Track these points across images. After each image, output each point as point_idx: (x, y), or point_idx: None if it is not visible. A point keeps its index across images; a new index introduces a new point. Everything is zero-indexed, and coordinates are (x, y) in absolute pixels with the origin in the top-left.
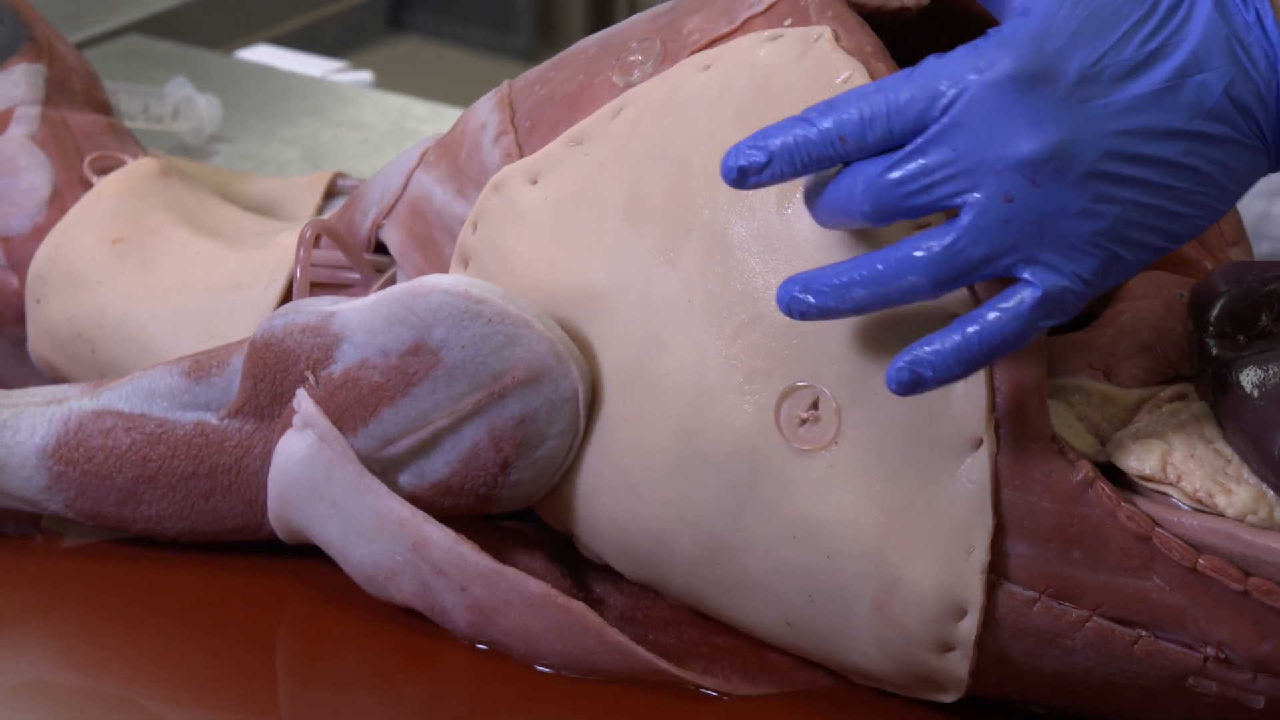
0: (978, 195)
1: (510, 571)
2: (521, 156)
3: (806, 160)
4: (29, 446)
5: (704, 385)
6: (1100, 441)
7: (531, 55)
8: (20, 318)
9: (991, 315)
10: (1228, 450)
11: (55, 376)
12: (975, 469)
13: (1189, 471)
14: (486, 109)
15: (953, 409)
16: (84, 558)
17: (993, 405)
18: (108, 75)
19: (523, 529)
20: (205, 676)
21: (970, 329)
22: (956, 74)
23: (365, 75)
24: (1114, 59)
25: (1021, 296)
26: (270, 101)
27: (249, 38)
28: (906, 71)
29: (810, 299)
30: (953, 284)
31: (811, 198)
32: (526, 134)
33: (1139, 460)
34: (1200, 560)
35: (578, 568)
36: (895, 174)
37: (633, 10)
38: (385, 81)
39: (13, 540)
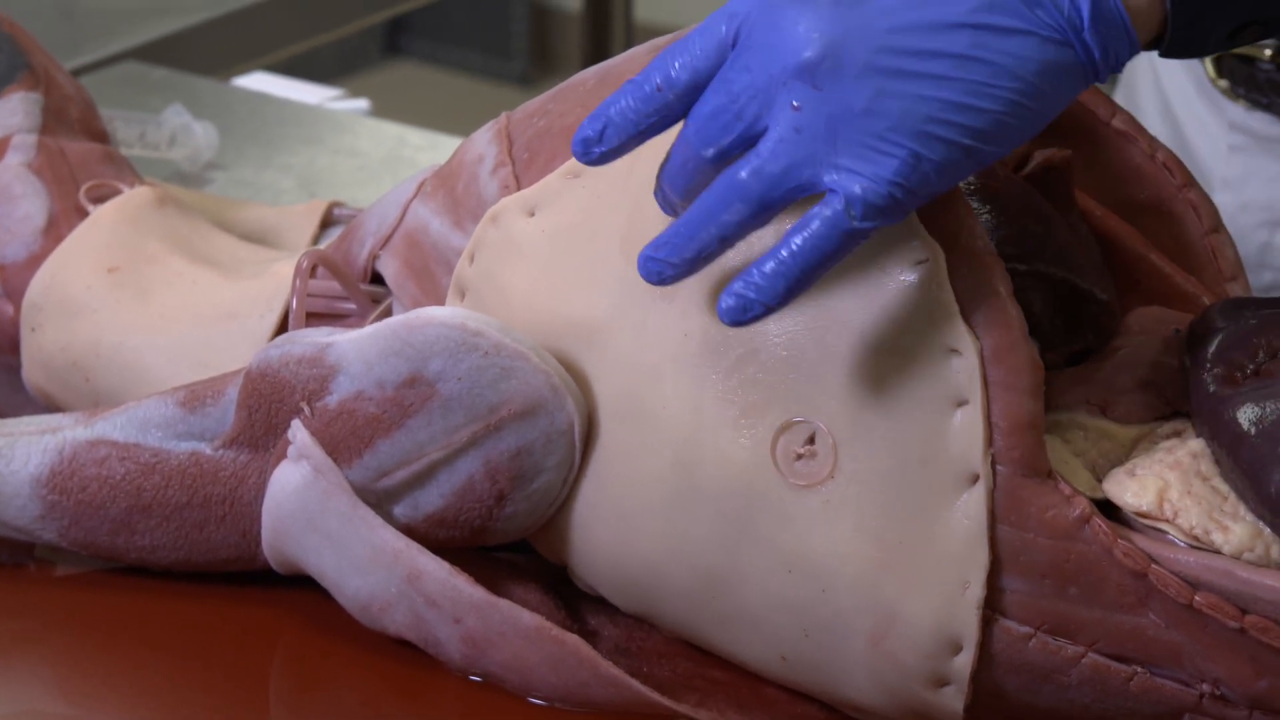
0: (774, 110)
1: (504, 604)
2: (519, 188)
3: (636, 118)
4: (23, 476)
5: (700, 419)
6: (1097, 477)
7: (527, 81)
8: (15, 346)
9: (802, 234)
10: (1224, 487)
11: (50, 405)
12: (972, 505)
13: (1185, 508)
14: (484, 140)
15: (950, 445)
16: (78, 587)
17: (989, 441)
18: (104, 102)
19: (517, 560)
20: (198, 707)
21: (783, 250)
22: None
23: (362, 103)
24: None
25: (830, 206)
26: (266, 129)
27: (245, 65)
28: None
29: (661, 254)
30: (771, 206)
31: (661, 172)
32: (524, 166)
33: (1135, 497)
34: (1196, 597)
35: (572, 600)
36: (708, 107)
37: (629, 36)
38: (381, 106)
39: (6, 569)
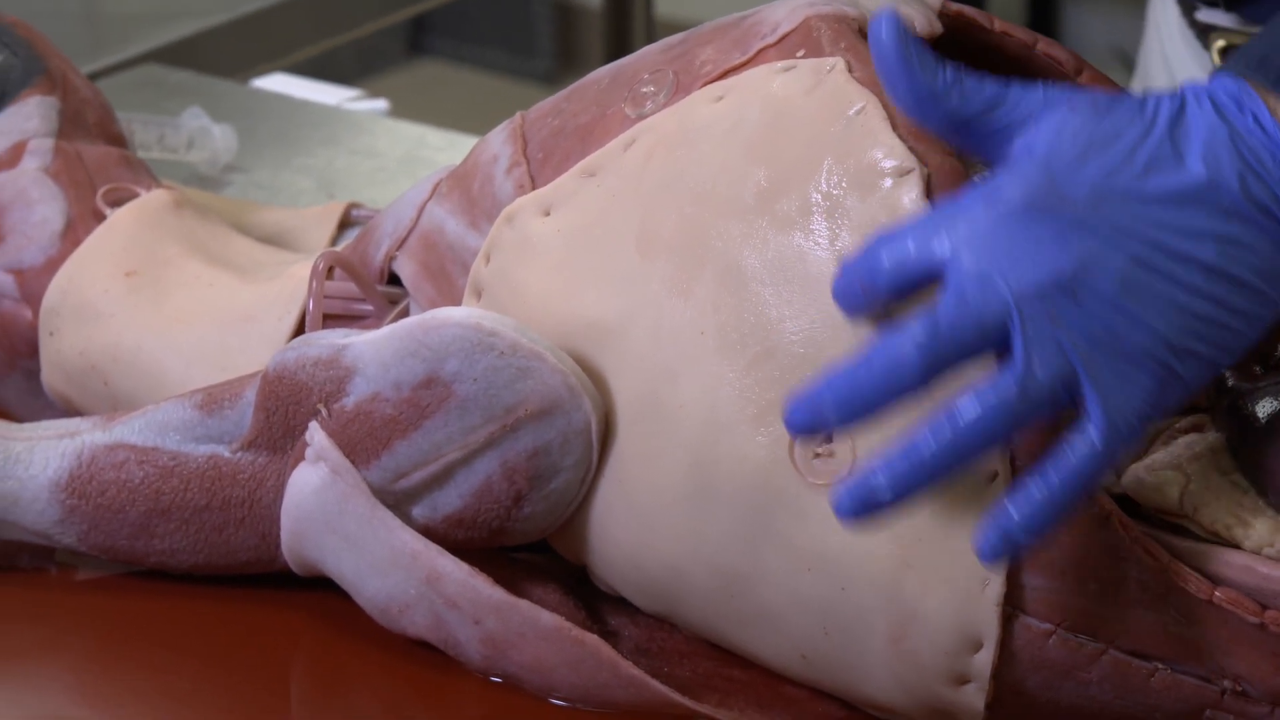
0: (1023, 329)
1: (524, 604)
2: (534, 188)
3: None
4: (42, 480)
5: (717, 418)
6: (1116, 473)
7: (551, 79)
8: (33, 351)
9: (1065, 459)
10: (1244, 482)
11: (69, 409)
12: (990, 502)
13: (1205, 503)
14: (499, 141)
15: None
16: (97, 591)
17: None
18: (122, 105)
19: (536, 561)
20: (219, 710)
21: (1051, 480)
22: (969, 209)
23: (380, 104)
24: (1126, 171)
25: (1089, 432)
26: (285, 130)
27: (265, 66)
28: (925, 216)
29: (885, 483)
30: (1027, 421)
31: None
32: (539, 166)
33: (1155, 492)
34: (1216, 593)
35: (591, 600)
36: (936, 328)
37: (650, 31)
38: (404, 106)
39: (26, 574)
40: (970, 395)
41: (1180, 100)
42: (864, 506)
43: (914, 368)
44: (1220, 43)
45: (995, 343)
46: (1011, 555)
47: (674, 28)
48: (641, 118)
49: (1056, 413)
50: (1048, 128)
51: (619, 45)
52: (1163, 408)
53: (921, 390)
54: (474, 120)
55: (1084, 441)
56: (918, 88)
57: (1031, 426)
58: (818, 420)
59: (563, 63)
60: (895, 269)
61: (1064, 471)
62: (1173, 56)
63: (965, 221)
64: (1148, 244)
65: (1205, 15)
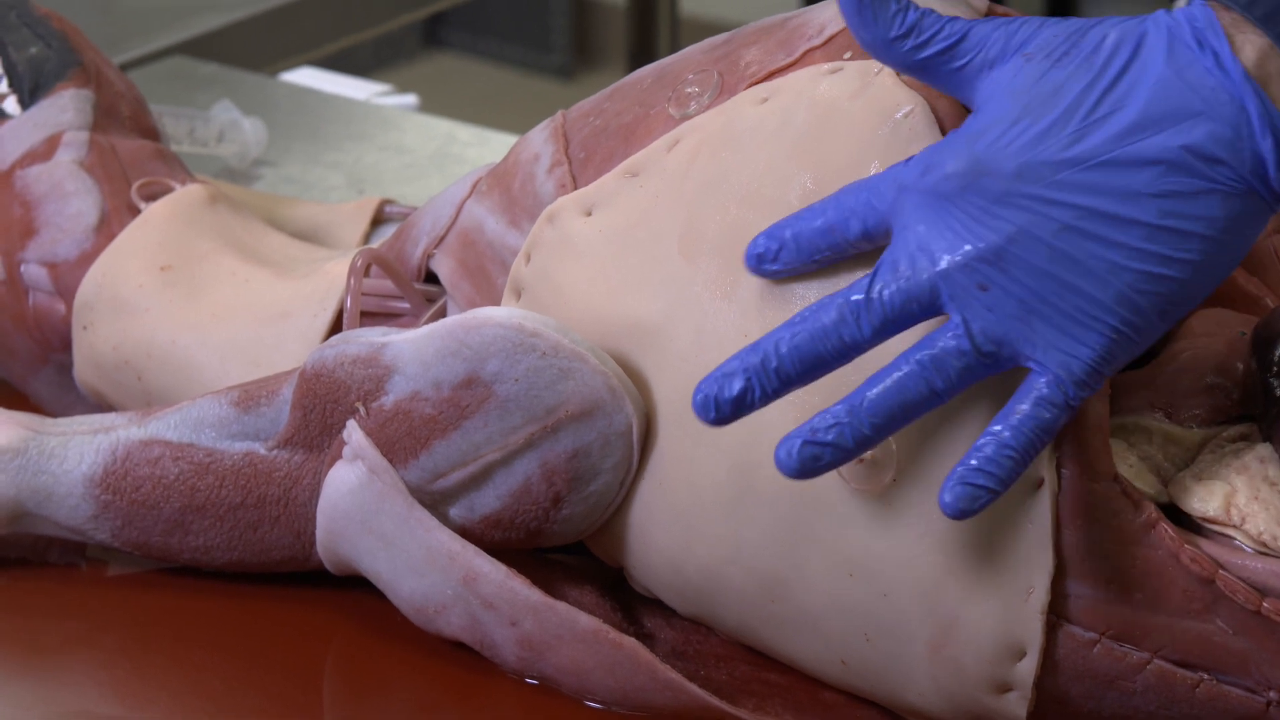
0: (954, 298)
1: (561, 606)
2: (576, 188)
3: (811, 250)
4: (76, 475)
5: (759, 422)
6: (1162, 482)
7: (567, 73)
8: (67, 344)
9: (1017, 412)
10: None
11: (102, 404)
12: (1036, 509)
13: (1253, 513)
14: (540, 139)
15: None
16: (129, 587)
17: (1055, 444)
18: (152, 97)
19: (572, 562)
20: (251, 709)
21: (1003, 434)
22: (908, 178)
23: (410, 99)
24: (1055, 137)
25: (1038, 386)
26: (314, 125)
27: (286, 60)
28: (892, 169)
29: (866, 431)
30: (966, 381)
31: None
32: (581, 165)
33: (1202, 501)
34: (1264, 604)
35: (628, 602)
36: (871, 295)
37: (674, 28)
38: (422, 100)
39: (58, 569)
40: (915, 348)
41: (1139, 38)
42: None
43: (854, 328)
44: None
45: (932, 312)
46: (977, 506)
47: (698, 24)
48: (686, 118)
49: (998, 373)
50: (997, 86)
51: (644, 42)
52: (1114, 359)
53: (867, 349)
54: (492, 115)
55: (1029, 395)
56: (873, 38)
57: (959, 388)
58: (765, 361)
59: (579, 58)
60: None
61: (1012, 423)
62: None
63: (906, 197)
64: (1078, 211)
65: None
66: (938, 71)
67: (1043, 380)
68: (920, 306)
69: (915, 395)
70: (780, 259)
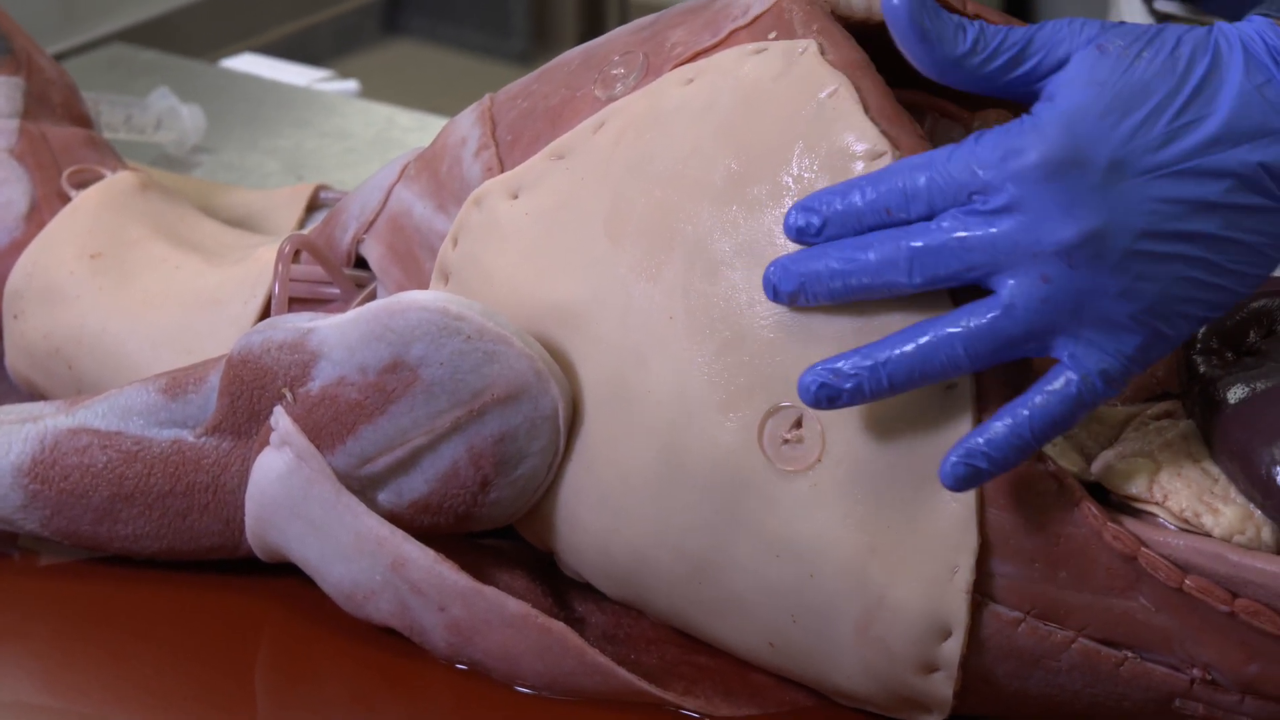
0: (1012, 277)
1: (490, 591)
2: (502, 171)
3: (858, 227)
4: (4, 465)
5: (686, 403)
6: (1086, 460)
7: (526, 59)
8: None
9: (1039, 399)
10: (1215, 469)
11: (33, 393)
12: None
13: (1175, 491)
14: (468, 123)
15: (938, 428)
16: (60, 577)
17: (978, 423)
18: (90, 85)
19: (503, 547)
20: (183, 697)
21: (1021, 413)
22: (989, 160)
23: (351, 84)
24: (1144, 137)
25: (1067, 378)
26: (254, 111)
27: (235, 46)
28: (947, 150)
29: (845, 385)
30: (991, 360)
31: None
32: (508, 148)
33: (1125, 479)
34: (1186, 581)
35: (559, 586)
36: (934, 242)
37: (624, 12)
38: (378, 86)
39: None
40: (947, 316)
41: (1213, 48)
42: (816, 399)
43: (905, 264)
44: None
45: (979, 279)
46: (972, 483)
47: (648, 8)
48: (611, 100)
49: (1017, 355)
50: (1075, 76)
51: (592, 26)
52: (1149, 361)
53: (909, 289)
54: (448, 100)
55: (1058, 387)
56: (939, 59)
57: (987, 362)
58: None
59: (538, 43)
60: (928, 193)
61: (1033, 410)
62: None
63: (985, 168)
64: (1156, 217)
65: (1163, 5)
66: (1002, 80)
67: (1075, 377)
68: (970, 272)
69: (938, 366)
70: (825, 234)
